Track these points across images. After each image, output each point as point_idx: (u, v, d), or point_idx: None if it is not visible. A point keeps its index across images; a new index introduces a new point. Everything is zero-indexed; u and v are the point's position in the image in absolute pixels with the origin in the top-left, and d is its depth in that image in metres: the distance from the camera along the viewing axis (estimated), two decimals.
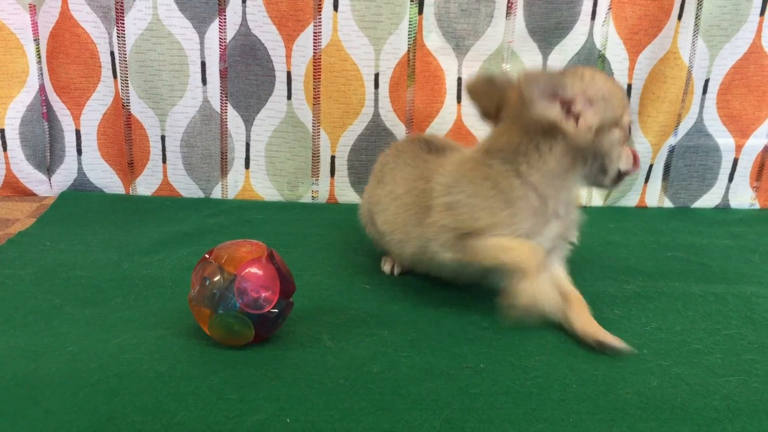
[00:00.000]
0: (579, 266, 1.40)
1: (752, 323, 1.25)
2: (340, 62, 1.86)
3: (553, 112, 1.14)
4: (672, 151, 1.96)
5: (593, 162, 1.21)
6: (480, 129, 1.92)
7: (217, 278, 1.05)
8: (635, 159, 1.24)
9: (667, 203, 2.01)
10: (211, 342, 1.10)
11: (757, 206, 2.01)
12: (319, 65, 1.85)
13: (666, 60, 1.84)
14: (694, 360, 1.11)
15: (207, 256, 1.10)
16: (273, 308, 1.07)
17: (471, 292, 1.35)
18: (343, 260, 1.52)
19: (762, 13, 1.80)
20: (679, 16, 1.81)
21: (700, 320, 1.26)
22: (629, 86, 1.92)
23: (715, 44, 1.83)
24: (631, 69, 1.90)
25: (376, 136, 1.92)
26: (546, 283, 1.19)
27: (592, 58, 1.89)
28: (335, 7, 1.81)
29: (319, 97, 1.88)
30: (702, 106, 1.90)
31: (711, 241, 1.71)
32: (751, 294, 1.38)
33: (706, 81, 1.87)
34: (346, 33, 1.84)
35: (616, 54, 1.90)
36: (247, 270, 1.06)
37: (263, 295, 1.06)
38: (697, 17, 1.79)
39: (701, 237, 1.74)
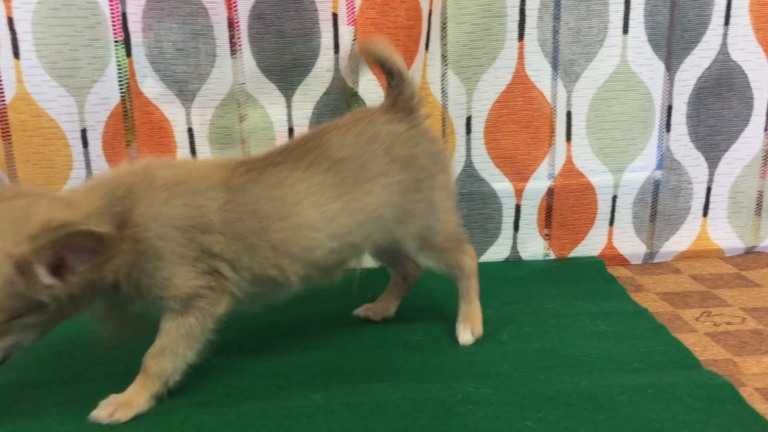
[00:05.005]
0: None
1: None
2: (34, 119, 1.54)
3: None
4: None
5: None
6: None
7: None
8: None
9: None
10: None
11: (552, 256, 1.74)
12: (7, 124, 1.53)
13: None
14: None
15: None
16: None
17: None
18: None
19: (520, 37, 1.55)
20: (426, 46, 1.55)
21: None
22: None
23: (469, 76, 1.56)
24: None
25: None
26: None
27: (344, 97, 1.61)
28: (16, 54, 1.50)
29: (13, 162, 1.56)
30: (469, 148, 1.63)
31: None
32: None
33: (468, 118, 1.60)
34: (35, 84, 1.52)
35: (372, 92, 1.62)
36: None
37: None
38: (444, 46, 1.53)
39: None
